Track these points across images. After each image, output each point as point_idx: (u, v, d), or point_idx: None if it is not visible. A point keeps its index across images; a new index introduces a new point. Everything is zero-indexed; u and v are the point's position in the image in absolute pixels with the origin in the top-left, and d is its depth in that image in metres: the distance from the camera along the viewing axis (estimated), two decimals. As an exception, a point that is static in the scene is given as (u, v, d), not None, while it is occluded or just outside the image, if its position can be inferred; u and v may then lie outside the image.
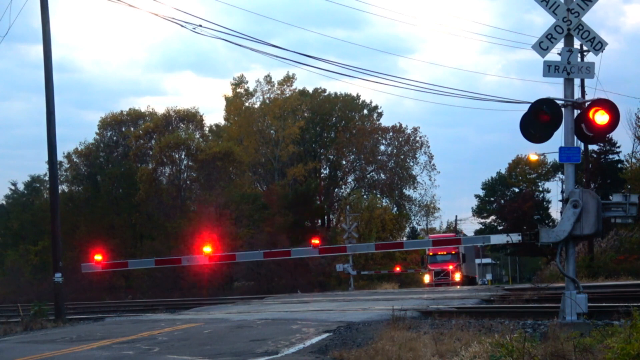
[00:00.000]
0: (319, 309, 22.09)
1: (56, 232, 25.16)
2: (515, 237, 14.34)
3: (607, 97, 13.94)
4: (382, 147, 73.32)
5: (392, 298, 26.39)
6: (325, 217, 71.64)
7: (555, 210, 72.30)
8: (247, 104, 70.87)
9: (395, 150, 72.84)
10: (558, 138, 13.17)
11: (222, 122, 74.08)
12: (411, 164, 73.05)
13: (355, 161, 74.23)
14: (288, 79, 69.88)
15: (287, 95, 69.65)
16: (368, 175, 74.11)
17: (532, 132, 13.10)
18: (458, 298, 24.23)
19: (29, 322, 22.58)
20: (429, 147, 72.98)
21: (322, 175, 74.56)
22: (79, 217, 58.89)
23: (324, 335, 14.34)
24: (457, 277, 51.33)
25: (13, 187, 73.08)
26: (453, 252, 52.08)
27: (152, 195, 57.09)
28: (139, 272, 50.59)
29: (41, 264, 55.07)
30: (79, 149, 64.47)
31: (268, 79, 70.43)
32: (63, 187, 61.49)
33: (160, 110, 73.28)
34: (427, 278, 52.78)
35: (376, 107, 77.16)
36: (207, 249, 17.85)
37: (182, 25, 19.78)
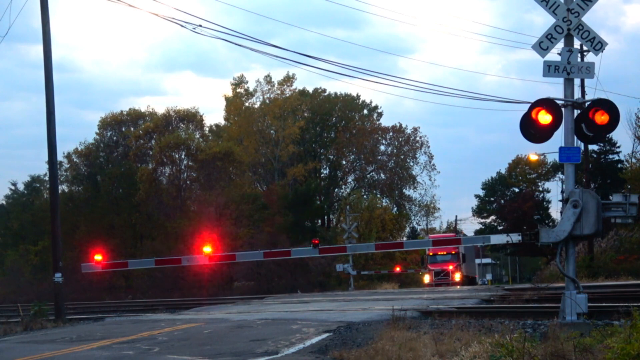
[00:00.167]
0: (319, 309, 22.09)
1: (56, 232, 25.16)
2: (515, 237, 14.35)
3: (607, 97, 13.97)
4: (382, 147, 73.42)
5: (392, 298, 26.39)
6: (325, 217, 71.66)
7: (555, 210, 72.35)
8: (247, 104, 70.90)
9: (395, 150, 72.88)
10: (558, 138, 13.19)
11: (222, 122, 74.21)
12: (411, 164, 73.15)
13: (355, 161, 74.26)
14: (288, 79, 69.93)
15: (287, 95, 69.67)
16: (368, 175, 74.14)
17: (532, 132, 13.10)
18: (458, 298, 24.23)
19: (29, 322, 22.59)
20: (429, 147, 73.14)
21: (322, 175, 74.59)
22: (79, 217, 58.87)
23: (324, 335, 14.34)
24: (457, 277, 51.32)
25: (13, 187, 73.23)
26: (453, 252, 52.07)
27: (152, 195, 57.07)
28: (139, 272, 50.58)
29: (41, 264, 55.05)
30: (79, 149, 64.47)
31: (268, 79, 70.53)
32: (63, 187, 61.47)
33: (160, 110, 73.37)
34: (427, 278, 52.77)
35: (376, 107, 77.26)
36: (207, 249, 17.85)
37: (182, 25, 19.84)
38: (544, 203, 74.21)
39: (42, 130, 25.70)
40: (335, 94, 75.58)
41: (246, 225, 53.19)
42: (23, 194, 72.26)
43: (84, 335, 17.57)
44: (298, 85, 74.52)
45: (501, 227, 72.54)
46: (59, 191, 32.01)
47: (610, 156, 63.88)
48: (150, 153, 61.49)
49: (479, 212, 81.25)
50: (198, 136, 63.77)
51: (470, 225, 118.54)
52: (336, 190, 75.06)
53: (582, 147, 26.44)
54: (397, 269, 56.85)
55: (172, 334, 16.30)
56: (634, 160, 49.05)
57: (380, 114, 77.32)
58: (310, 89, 74.74)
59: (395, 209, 71.71)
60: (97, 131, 65.89)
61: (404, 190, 74.01)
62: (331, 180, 74.50)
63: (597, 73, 17.74)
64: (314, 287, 47.06)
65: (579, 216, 12.69)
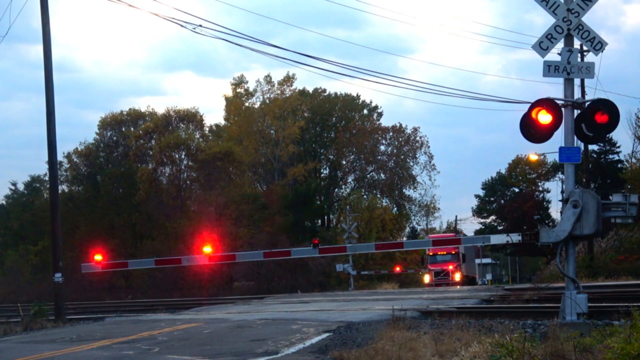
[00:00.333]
0: (319, 309, 22.09)
1: (56, 232, 25.17)
2: (515, 237, 14.35)
3: (607, 97, 13.97)
4: (382, 147, 73.41)
5: (392, 298, 26.39)
6: (325, 217, 71.67)
7: (555, 210, 72.33)
8: (247, 104, 70.90)
9: (395, 150, 72.87)
10: (558, 138, 13.19)
11: (222, 122, 74.22)
12: (411, 164, 73.13)
13: (355, 161, 74.26)
14: (288, 79, 69.93)
15: (287, 95, 69.66)
16: (368, 175, 74.14)
17: (532, 132, 13.10)
18: (458, 298, 24.23)
19: (29, 322, 22.59)
20: (429, 147, 73.12)
21: (322, 175, 74.58)
22: (79, 217, 58.89)
23: (324, 335, 14.34)
24: (457, 277, 51.32)
25: (13, 187, 73.25)
26: (453, 252, 52.07)
27: (152, 195, 57.08)
28: (139, 272, 50.59)
29: (41, 264, 55.07)
30: (79, 149, 64.49)
31: (268, 79, 70.53)
32: (63, 187, 61.48)
33: (160, 110, 73.38)
34: (427, 278, 52.77)
35: (376, 107, 77.26)
36: (207, 249, 17.85)
37: (182, 25, 19.84)
38: (544, 203, 74.20)
39: (42, 130, 25.73)
40: (335, 94, 75.68)
41: (246, 225, 53.20)
42: (23, 194, 72.29)
43: (84, 335, 17.57)
44: (298, 85, 74.65)
45: (501, 227, 72.53)
46: (59, 191, 32.01)
47: (610, 156, 63.91)
48: (150, 153, 61.50)
49: (479, 212, 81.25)
50: (198, 136, 63.79)
51: (470, 225, 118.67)
52: (336, 190, 75.07)
53: (582, 147, 26.43)
54: (397, 269, 56.86)
55: (172, 334, 16.30)
56: (634, 160, 49.06)
57: (380, 114, 77.41)
58: (310, 89, 74.85)
59: (395, 209, 71.72)
60: (97, 131, 65.97)
61: (404, 190, 74.05)
62: (331, 180, 74.50)
63: (597, 73, 17.76)
64: (314, 287, 47.06)
65: (579, 216, 12.69)
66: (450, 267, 51.73)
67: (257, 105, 70.64)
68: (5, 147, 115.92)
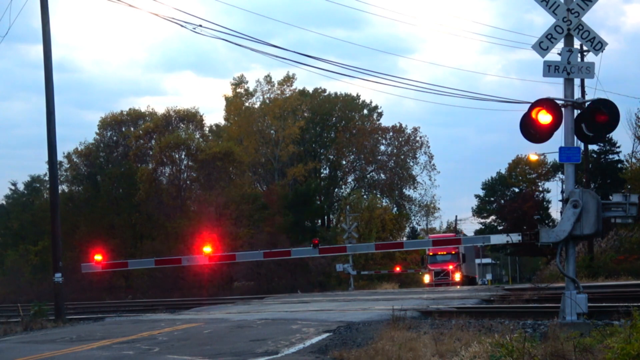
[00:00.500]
0: (319, 309, 22.09)
1: (56, 232, 25.16)
2: (515, 237, 14.35)
3: (607, 97, 13.97)
4: (382, 147, 73.41)
5: (392, 298, 26.39)
6: (325, 217, 71.66)
7: (555, 210, 72.33)
8: (247, 104, 70.89)
9: (395, 150, 72.87)
10: (558, 138, 13.19)
11: (222, 122, 74.21)
12: (411, 164, 73.13)
13: (355, 161, 74.26)
14: (288, 79, 69.92)
15: (287, 95, 69.66)
16: (368, 175, 74.14)
17: (532, 132, 13.09)
18: (458, 298, 24.23)
19: (29, 322, 22.59)
20: (429, 147, 73.12)
21: (322, 175, 74.58)
22: (79, 217, 58.90)
23: (324, 335, 14.34)
24: (457, 277, 51.32)
25: (13, 187, 73.22)
26: (453, 252, 52.06)
27: (152, 195, 57.09)
28: (139, 272, 50.59)
29: (41, 264, 55.06)
30: (79, 149, 64.49)
31: (268, 79, 70.52)
32: (63, 187, 61.48)
33: (160, 110, 73.36)
34: (427, 278, 52.77)
35: (376, 107, 77.25)
36: (207, 249, 17.85)
37: (182, 25, 19.84)
38: (544, 203, 74.20)
39: (42, 130, 25.73)
40: (335, 94, 75.67)
41: (246, 225, 53.20)
42: (23, 194, 72.26)
43: (84, 335, 17.57)
44: (298, 85, 74.64)
45: (501, 227, 72.54)
46: (59, 191, 32.01)
47: (610, 156, 63.90)
48: (150, 153, 61.50)
49: (479, 212, 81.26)
50: (198, 136, 63.79)
51: (470, 225, 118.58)
52: (336, 190, 75.07)
53: (582, 147, 26.43)
54: (397, 269, 56.86)
55: (172, 334, 16.30)
56: (634, 160, 49.07)
57: (380, 114, 77.40)
58: (310, 89, 74.84)
59: (395, 209, 71.73)
60: (97, 131, 65.96)
61: (404, 190, 74.05)
62: (331, 180, 74.49)
63: (597, 73, 17.75)
64: (314, 287, 47.06)
65: (579, 216, 12.69)
66: (450, 267, 51.73)
67: (257, 105, 70.67)
68: (5, 147, 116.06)
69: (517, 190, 76.80)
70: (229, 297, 36.05)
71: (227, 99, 71.84)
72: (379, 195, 70.84)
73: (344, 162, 74.62)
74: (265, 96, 70.40)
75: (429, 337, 12.26)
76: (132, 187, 58.58)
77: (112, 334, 17.20)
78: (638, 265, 39.30)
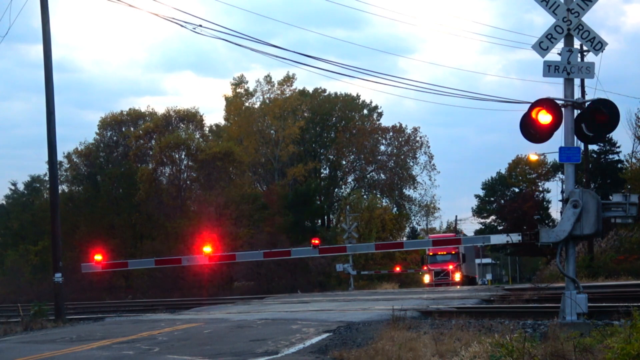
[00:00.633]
0: (319, 309, 22.10)
1: (56, 232, 25.16)
2: (515, 237, 14.34)
3: (607, 97, 13.97)
4: (382, 147, 73.40)
5: (392, 298, 26.39)
6: (325, 217, 71.65)
7: (555, 210, 72.35)
8: (247, 104, 70.89)
9: (395, 150, 72.87)
10: (558, 138, 13.19)
11: (222, 122, 74.21)
12: (411, 164, 73.13)
13: (355, 161, 74.25)
14: (288, 79, 69.93)
15: (287, 95, 69.66)
16: (368, 175, 74.13)
17: (532, 132, 13.09)
18: (458, 298, 24.23)
19: (29, 322, 22.58)
20: (429, 147, 73.11)
21: (322, 175, 74.57)
22: (79, 217, 58.90)
23: (324, 335, 14.34)
24: (457, 277, 51.32)
25: (13, 187, 73.20)
26: (453, 252, 52.07)
27: (152, 195, 57.09)
28: (139, 272, 50.59)
29: (41, 264, 55.06)
30: (79, 149, 64.50)
31: (268, 79, 70.52)
32: (63, 187, 61.49)
33: (160, 110, 73.42)
34: (427, 278, 52.77)
35: (376, 107, 77.25)
36: (207, 249, 17.84)
37: (182, 25, 19.82)
38: (544, 203, 74.21)
39: (42, 130, 25.73)
40: (335, 94, 75.66)
41: (246, 225, 53.20)
42: (23, 194, 72.25)
43: (84, 335, 17.57)
44: (298, 85, 74.64)
45: (501, 227, 72.54)
46: (59, 191, 32.01)
47: (610, 156, 63.91)
48: (150, 153, 61.51)
49: (479, 212, 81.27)
50: (198, 136, 63.80)
51: (470, 225, 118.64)
52: (336, 190, 75.06)
53: (582, 147, 26.44)
54: (397, 269, 56.87)
55: (172, 334, 16.30)
56: (634, 160, 49.08)
57: (380, 114, 77.39)
58: (310, 89, 74.83)
59: (395, 209, 71.72)
60: (97, 131, 65.97)
61: (404, 190, 74.05)
62: (331, 180, 74.48)
63: (597, 73, 17.76)
64: (314, 287, 47.05)
65: (579, 216, 12.68)
66: (450, 267, 51.74)
67: (257, 105, 70.67)
68: (5, 147, 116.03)
69: (517, 190, 76.81)
70: (229, 297, 36.04)
71: (227, 99, 71.86)
72: (379, 195, 70.86)
73: (344, 162, 74.62)
74: (265, 96, 70.47)
75: (429, 337, 12.26)
76: (132, 187, 58.58)
77: (112, 334, 17.19)
78: (638, 265, 39.30)
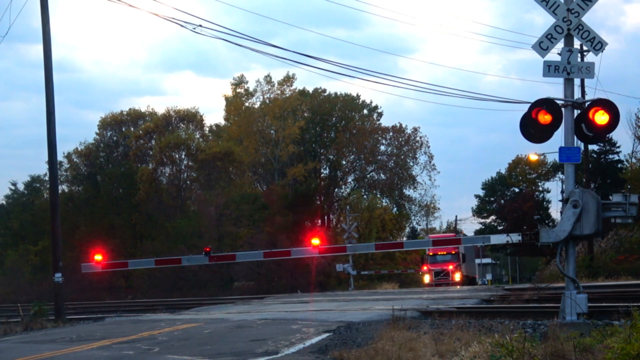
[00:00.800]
0: (319, 309, 22.10)
1: (56, 232, 25.16)
2: (515, 237, 14.34)
3: (607, 97, 13.96)
4: (382, 147, 73.33)
5: (392, 298, 26.39)
6: (325, 217, 71.63)
7: (555, 210, 72.35)
8: (247, 104, 70.85)
9: (395, 150, 72.82)
10: (558, 138, 13.19)
11: (222, 122, 74.16)
12: (411, 164, 73.05)
13: (355, 161, 74.21)
14: (288, 79, 69.89)
15: (287, 95, 69.61)
16: (368, 175, 74.09)
17: (532, 132, 13.09)
18: (458, 298, 24.24)
19: (29, 322, 22.58)
20: (429, 147, 73.01)
21: (322, 175, 74.54)
22: (79, 217, 58.91)
23: (324, 335, 14.34)
24: (457, 277, 51.31)
25: (13, 187, 73.18)
26: (453, 252, 52.05)
27: (152, 195, 57.11)
28: (139, 272, 50.59)
29: (41, 264, 55.07)
30: (79, 149, 64.53)
31: (268, 79, 70.47)
32: (63, 187, 61.51)
33: (160, 110, 73.40)
34: (427, 278, 52.76)
35: (376, 107, 77.19)
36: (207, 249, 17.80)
37: (182, 25, 19.83)
38: (544, 203, 74.23)
39: (42, 130, 25.73)
40: (335, 94, 75.60)
41: (246, 225, 53.19)
42: (23, 194, 72.25)
43: (84, 335, 17.56)
44: (298, 85, 74.54)
45: (501, 227, 72.51)
46: (59, 191, 32.01)
47: (610, 156, 63.89)
48: (150, 153, 61.53)
49: (479, 212, 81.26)
50: (198, 136, 63.83)
51: (470, 225, 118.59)
52: (336, 190, 75.04)
53: (582, 147, 26.44)
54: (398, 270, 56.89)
55: (172, 334, 16.30)
56: (634, 160, 49.10)
57: (380, 114, 77.34)
58: (310, 89, 74.75)
59: (395, 209, 71.69)
60: (97, 131, 66.03)
61: (404, 190, 73.98)
62: (331, 180, 74.44)
63: (597, 73, 17.75)
64: (314, 287, 47.03)
65: (579, 216, 12.68)
66: (450, 267, 51.73)
67: (257, 105, 70.63)
68: (5, 147, 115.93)
69: (517, 190, 76.82)
70: (229, 297, 36.04)
71: (227, 99, 71.84)
72: (379, 195, 70.83)
73: (344, 162, 74.57)
74: (265, 96, 70.42)
75: (429, 337, 12.27)
76: (132, 187, 58.60)
77: (112, 334, 17.19)
78: (638, 265, 39.31)
